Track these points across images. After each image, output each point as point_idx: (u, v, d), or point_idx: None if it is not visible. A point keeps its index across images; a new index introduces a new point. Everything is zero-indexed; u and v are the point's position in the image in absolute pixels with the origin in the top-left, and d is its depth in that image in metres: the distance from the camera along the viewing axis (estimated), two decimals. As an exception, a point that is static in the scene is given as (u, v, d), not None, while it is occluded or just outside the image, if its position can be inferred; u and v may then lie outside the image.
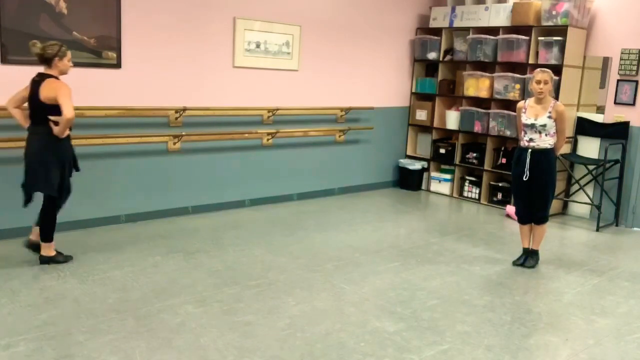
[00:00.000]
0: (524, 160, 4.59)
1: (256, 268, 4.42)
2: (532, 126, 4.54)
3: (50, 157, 4.09)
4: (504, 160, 6.88)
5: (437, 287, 4.23)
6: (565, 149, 6.56)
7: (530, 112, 4.58)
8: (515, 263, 4.81)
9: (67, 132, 4.11)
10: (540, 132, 4.53)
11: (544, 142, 4.54)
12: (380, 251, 5.02)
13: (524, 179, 4.58)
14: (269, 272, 4.34)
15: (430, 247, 5.20)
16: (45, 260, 4.29)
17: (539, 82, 4.49)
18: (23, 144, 4.69)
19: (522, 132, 4.64)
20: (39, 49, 4.01)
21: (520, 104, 4.71)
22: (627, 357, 3.35)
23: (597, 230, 6.09)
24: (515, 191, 4.84)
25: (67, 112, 3.90)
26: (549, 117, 4.50)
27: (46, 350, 3.04)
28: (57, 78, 4.05)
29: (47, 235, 4.27)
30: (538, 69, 4.57)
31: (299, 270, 4.41)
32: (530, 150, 4.57)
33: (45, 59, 4.03)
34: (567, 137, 6.54)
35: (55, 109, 3.95)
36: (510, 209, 6.50)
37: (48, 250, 4.30)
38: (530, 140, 4.58)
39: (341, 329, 3.46)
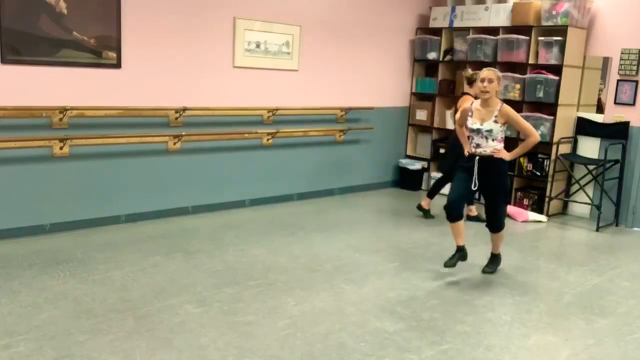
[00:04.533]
0: (472, 168, 4.29)
1: (256, 268, 4.42)
2: (478, 131, 4.23)
3: (453, 148, 5.69)
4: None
5: (437, 287, 4.23)
6: (565, 149, 6.56)
7: (476, 116, 4.26)
8: (447, 264, 4.37)
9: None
10: (486, 138, 4.22)
11: (491, 147, 4.23)
12: (380, 251, 5.02)
13: (473, 188, 4.30)
14: (269, 272, 4.34)
15: (430, 247, 5.20)
16: (419, 208, 6.22)
17: (483, 80, 4.17)
18: (21, 144, 4.71)
19: (470, 137, 4.36)
20: (469, 75, 5.71)
21: (467, 106, 4.41)
22: (627, 357, 3.35)
23: (597, 230, 6.09)
24: (456, 183, 4.40)
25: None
26: (495, 121, 4.18)
27: (46, 350, 3.04)
28: (470, 95, 5.60)
29: (431, 193, 6.20)
30: (484, 68, 4.32)
31: (299, 270, 4.41)
32: (478, 157, 4.27)
33: (471, 81, 5.65)
34: (565, 138, 6.56)
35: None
36: (511, 208, 6.50)
37: (426, 203, 6.18)
38: (478, 146, 4.27)
39: (341, 329, 3.46)
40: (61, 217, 4.99)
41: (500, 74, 4.27)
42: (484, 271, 4.56)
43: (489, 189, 4.33)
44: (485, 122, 4.21)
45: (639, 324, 3.81)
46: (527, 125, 4.29)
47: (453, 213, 4.34)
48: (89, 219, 5.14)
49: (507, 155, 4.25)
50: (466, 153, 4.42)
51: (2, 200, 4.66)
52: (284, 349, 3.19)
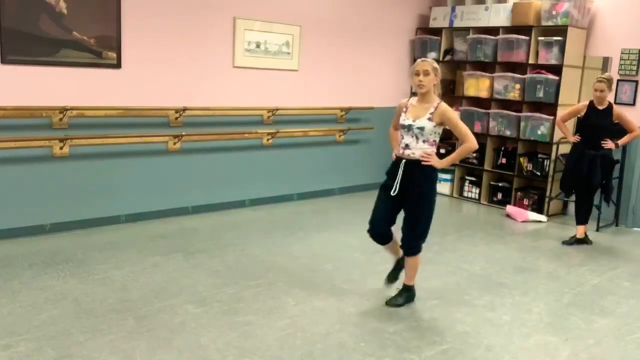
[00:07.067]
0: (396, 172, 3.72)
1: (256, 268, 4.42)
2: (409, 128, 3.66)
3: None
4: (504, 161, 6.89)
5: (437, 287, 4.23)
6: (565, 149, 6.54)
7: (411, 112, 3.71)
8: (389, 280, 4.07)
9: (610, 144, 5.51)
10: (417, 138, 3.65)
11: (421, 150, 3.66)
12: (380, 251, 4.98)
13: (392, 193, 3.74)
14: (269, 272, 4.34)
15: (430, 247, 5.18)
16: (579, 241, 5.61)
17: (417, 73, 3.62)
18: (21, 144, 4.70)
19: (400, 136, 3.78)
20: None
21: (403, 101, 3.84)
22: (627, 357, 3.35)
23: (597, 230, 6.08)
24: (376, 203, 3.93)
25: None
26: (429, 119, 3.62)
27: (46, 350, 3.04)
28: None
29: (579, 220, 5.66)
30: (420, 59, 3.73)
31: (299, 270, 4.41)
32: (404, 160, 3.69)
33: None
34: (565, 138, 6.55)
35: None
36: (511, 208, 6.51)
37: (580, 231, 5.62)
38: (406, 146, 3.68)
39: (341, 329, 3.46)
40: (61, 217, 4.99)
41: (438, 66, 3.69)
42: (387, 303, 3.88)
43: (410, 199, 3.75)
44: (418, 119, 3.66)
45: (639, 324, 3.81)
46: (465, 128, 3.70)
47: (377, 239, 3.98)
48: (89, 219, 5.14)
49: (438, 163, 3.68)
50: (393, 157, 3.85)
51: (2, 200, 4.66)
52: (284, 349, 3.19)
